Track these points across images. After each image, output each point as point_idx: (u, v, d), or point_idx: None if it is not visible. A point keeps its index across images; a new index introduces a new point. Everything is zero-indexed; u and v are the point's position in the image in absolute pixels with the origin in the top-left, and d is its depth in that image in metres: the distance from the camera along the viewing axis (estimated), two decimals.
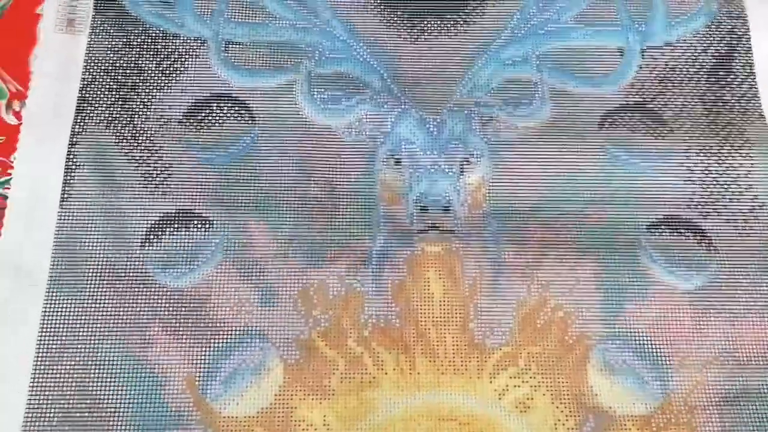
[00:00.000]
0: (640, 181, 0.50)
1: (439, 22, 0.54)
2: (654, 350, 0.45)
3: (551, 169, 0.50)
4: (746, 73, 0.53)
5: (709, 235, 0.48)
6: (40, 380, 0.43)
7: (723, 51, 0.54)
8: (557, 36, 0.54)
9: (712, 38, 0.54)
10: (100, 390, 0.43)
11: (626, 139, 0.51)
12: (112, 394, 0.43)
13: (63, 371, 0.43)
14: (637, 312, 0.46)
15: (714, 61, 0.53)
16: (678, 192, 0.50)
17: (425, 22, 0.54)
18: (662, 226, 0.49)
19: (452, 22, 0.54)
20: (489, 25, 0.54)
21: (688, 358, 0.45)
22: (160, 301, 0.45)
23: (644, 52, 0.54)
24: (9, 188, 0.47)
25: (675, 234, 0.48)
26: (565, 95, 0.52)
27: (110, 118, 0.50)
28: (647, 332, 0.46)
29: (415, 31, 0.54)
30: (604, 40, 0.54)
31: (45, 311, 0.44)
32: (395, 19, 0.54)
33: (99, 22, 0.52)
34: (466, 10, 0.54)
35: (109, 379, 0.43)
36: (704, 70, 0.53)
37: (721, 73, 0.53)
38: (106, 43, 0.52)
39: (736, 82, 0.53)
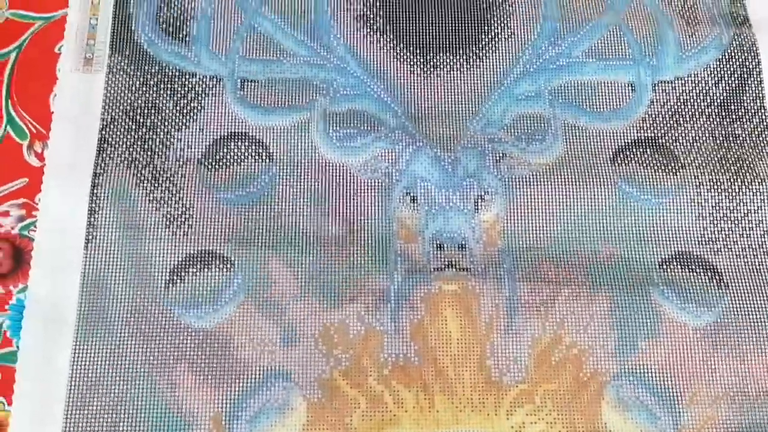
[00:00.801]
0: (652, 217, 0.51)
1: (451, 57, 0.56)
2: (666, 387, 0.47)
3: (564, 205, 0.51)
4: (757, 107, 0.55)
5: (720, 270, 0.50)
6: (73, 423, 0.45)
7: (734, 85, 0.55)
8: (569, 71, 0.55)
9: (722, 72, 0.56)
10: (131, 431, 0.45)
11: (638, 174, 0.53)
12: None
13: (94, 413, 0.45)
14: (650, 349, 0.48)
15: (725, 95, 0.55)
16: (689, 228, 0.51)
17: (438, 58, 0.55)
18: (674, 263, 0.51)
19: (465, 57, 0.55)
20: (501, 60, 0.55)
21: (698, 394, 0.47)
22: (185, 341, 0.47)
23: (655, 87, 0.55)
24: (35, 230, 0.49)
25: (686, 270, 0.50)
26: (578, 130, 0.54)
27: (130, 159, 0.51)
28: (659, 369, 0.48)
29: (428, 66, 0.55)
30: (615, 75, 0.55)
31: (74, 355, 0.46)
32: (408, 54, 0.55)
33: (116, 61, 0.54)
34: (479, 45, 0.56)
35: (138, 421, 0.45)
36: (715, 104, 0.55)
37: (731, 107, 0.55)
38: (124, 82, 0.53)
39: (746, 117, 0.54)
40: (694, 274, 0.50)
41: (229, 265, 0.49)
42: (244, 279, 0.49)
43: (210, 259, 0.49)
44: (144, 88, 0.53)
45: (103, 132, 0.52)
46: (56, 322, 0.47)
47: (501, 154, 0.53)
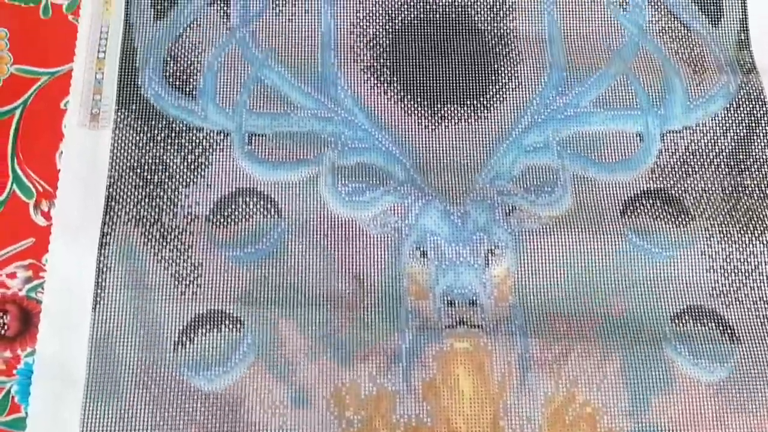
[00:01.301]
0: (663, 270, 0.51)
1: (459, 109, 0.56)
2: None
3: (575, 259, 0.51)
4: (766, 157, 0.55)
5: (731, 324, 0.50)
6: None
7: (742, 134, 0.56)
8: (577, 121, 0.55)
9: (730, 121, 0.56)
10: None
11: (648, 226, 0.53)
12: None
13: None
14: (663, 406, 0.48)
15: (733, 144, 0.55)
16: (700, 281, 0.51)
17: (445, 109, 0.55)
18: (686, 317, 0.51)
19: (472, 108, 0.56)
20: (509, 110, 0.56)
21: None
22: (195, 405, 0.47)
23: (664, 137, 0.56)
24: (42, 292, 0.49)
25: (698, 324, 0.50)
26: (586, 182, 0.54)
27: (138, 217, 0.51)
28: (673, 426, 0.47)
29: (436, 118, 0.55)
30: (623, 125, 0.55)
31: (84, 419, 0.46)
32: (415, 106, 0.55)
33: (122, 116, 0.54)
34: (487, 96, 0.56)
35: None
36: (723, 154, 0.55)
37: (740, 156, 0.55)
38: (131, 138, 0.53)
39: (755, 167, 0.55)
40: (706, 328, 0.50)
41: (239, 326, 0.49)
42: (254, 339, 0.48)
43: (220, 319, 0.49)
44: (151, 144, 0.53)
45: (110, 189, 0.52)
46: (65, 385, 0.46)
47: (511, 207, 0.53)
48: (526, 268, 0.51)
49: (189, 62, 0.56)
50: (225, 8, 0.58)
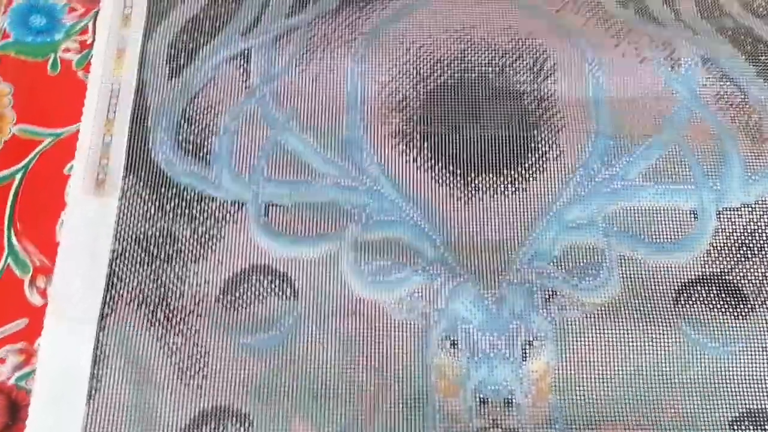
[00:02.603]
0: (721, 368, 0.43)
1: (495, 179, 0.48)
2: None
3: (623, 354, 0.43)
4: None
5: None
6: None
7: None
8: (624, 195, 0.47)
9: None
10: None
11: (704, 317, 0.44)
12: None
13: None
14: None
15: None
16: (762, 380, 0.43)
17: (480, 179, 0.48)
18: (746, 422, 0.43)
19: (510, 179, 0.48)
20: (550, 182, 0.48)
21: None
22: None
23: (720, 215, 0.48)
24: (33, 380, 0.42)
25: (758, 431, 0.43)
26: (635, 264, 0.46)
27: (142, 297, 0.44)
28: None
29: (470, 189, 0.48)
30: (675, 201, 0.47)
31: None
32: (447, 175, 0.48)
33: (130, 184, 0.47)
34: (525, 165, 0.48)
35: None
36: None
37: None
38: (138, 207, 0.46)
39: None
40: None
41: (247, 424, 0.41)
42: None
43: (226, 416, 0.41)
44: (159, 214, 0.46)
45: (113, 265, 0.45)
46: None
47: (551, 292, 0.45)
48: (568, 363, 0.43)
49: (204, 124, 0.48)
50: (245, 65, 0.51)
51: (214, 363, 0.43)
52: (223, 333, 0.43)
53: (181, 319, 0.44)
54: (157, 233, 0.46)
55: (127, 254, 0.45)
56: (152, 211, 0.46)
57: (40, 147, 0.47)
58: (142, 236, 0.46)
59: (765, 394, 0.43)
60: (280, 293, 0.45)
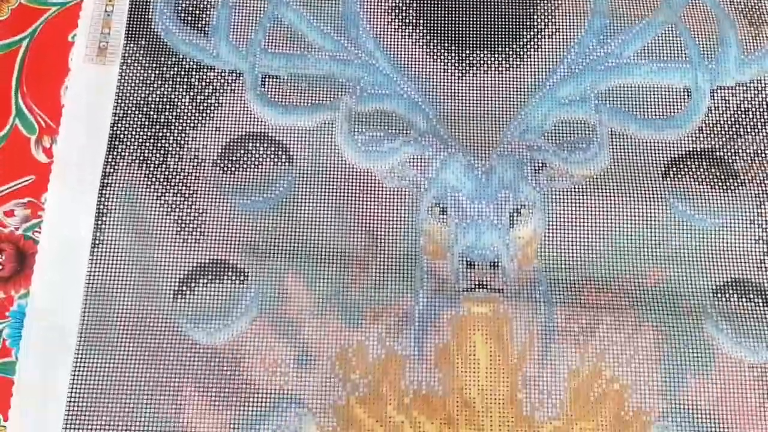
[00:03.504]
0: (707, 239, 0.42)
1: (489, 55, 0.46)
2: (717, 429, 0.39)
3: (609, 223, 0.43)
4: None
5: None
6: None
7: None
8: (618, 73, 0.46)
9: None
10: None
11: (692, 191, 0.43)
12: None
13: None
14: (701, 387, 0.39)
15: None
16: (748, 252, 0.42)
17: (475, 55, 0.46)
18: (730, 291, 0.42)
19: (504, 56, 0.46)
20: (544, 59, 0.46)
21: None
22: (192, 360, 0.40)
23: (714, 93, 0.46)
24: (39, 231, 0.43)
25: (744, 300, 0.41)
26: (626, 140, 0.44)
27: (142, 158, 0.44)
28: (710, 410, 0.39)
29: (464, 64, 0.46)
30: (670, 79, 0.46)
31: (75, 370, 0.39)
32: (443, 51, 0.46)
33: (131, 51, 0.46)
34: (520, 42, 0.47)
35: None
36: None
37: None
38: (138, 74, 0.45)
39: None
40: (752, 304, 0.41)
41: (242, 278, 0.42)
42: (257, 293, 0.41)
43: (222, 269, 0.42)
44: (159, 82, 0.46)
45: (115, 128, 0.44)
46: (57, 334, 0.40)
47: (540, 164, 0.44)
48: (554, 230, 0.42)
49: None
50: None
51: (210, 220, 0.42)
52: (219, 194, 0.43)
53: (179, 180, 0.44)
54: (157, 99, 0.45)
55: (128, 118, 0.45)
56: (152, 78, 0.46)
57: (45, 15, 0.46)
58: (142, 102, 0.45)
59: (750, 265, 0.42)
60: (276, 159, 0.44)
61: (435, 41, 0.47)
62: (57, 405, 0.38)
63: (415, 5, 0.47)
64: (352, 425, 0.39)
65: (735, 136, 0.45)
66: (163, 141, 0.44)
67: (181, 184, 0.43)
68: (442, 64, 0.46)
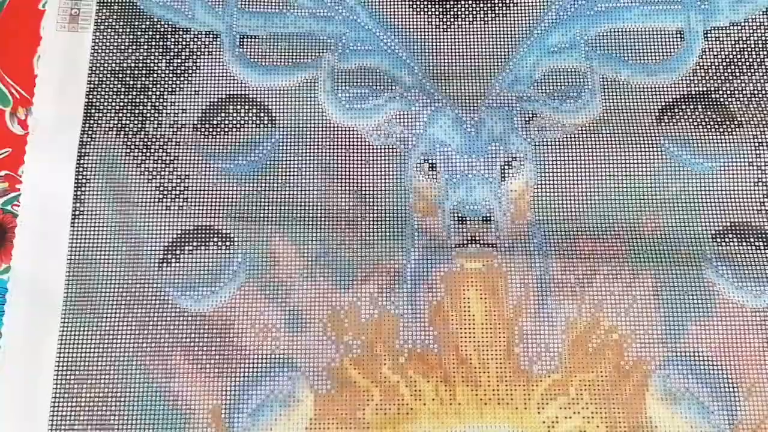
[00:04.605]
0: (704, 183, 0.40)
1: (474, 5, 0.44)
2: (720, 376, 0.37)
3: (603, 171, 0.40)
4: None
5: None
6: (60, 415, 0.36)
7: None
8: (608, 17, 0.43)
9: None
10: (123, 423, 0.37)
11: (688, 135, 0.41)
12: (136, 428, 0.38)
13: (82, 404, 0.36)
14: (702, 333, 0.38)
15: None
16: (747, 195, 0.40)
17: (459, 6, 0.44)
18: (729, 235, 0.40)
19: (490, 5, 0.44)
20: (531, 6, 0.44)
21: (757, 385, 0.37)
22: (181, 327, 0.38)
23: (708, 34, 0.44)
24: (18, 205, 0.41)
25: (744, 243, 0.39)
26: (618, 86, 0.42)
27: (120, 126, 0.41)
28: (713, 356, 0.37)
29: (448, 16, 0.44)
30: (662, 21, 0.43)
31: (61, 341, 0.37)
32: (426, 2, 0.44)
33: (104, 17, 0.43)
34: None
35: (130, 413, 0.36)
36: None
37: None
38: (113, 40, 0.43)
39: None
40: (753, 247, 0.39)
41: (228, 243, 0.40)
42: (244, 258, 0.39)
43: (207, 235, 0.40)
44: (134, 47, 0.43)
45: (90, 96, 0.42)
46: (42, 305, 0.38)
47: (531, 115, 0.42)
48: (547, 182, 0.40)
49: None
50: None
51: (193, 186, 0.40)
52: (201, 158, 0.41)
53: (159, 146, 0.41)
54: (133, 65, 0.43)
55: (103, 85, 0.42)
56: (126, 44, 0.43)
57: None
58: (117, 68, 0.43)
59: (749, 208, 0.40)
60: (258, 121, 0.42)
61: None
62: (44, 377, 0.37)
63: None
64: (347, 387, 0.37)
65: (731, 78, 0.42)
66: (141, 107, 0.42)
67: (161, 150, 0.41)
68: (426, 16, 0.44)
